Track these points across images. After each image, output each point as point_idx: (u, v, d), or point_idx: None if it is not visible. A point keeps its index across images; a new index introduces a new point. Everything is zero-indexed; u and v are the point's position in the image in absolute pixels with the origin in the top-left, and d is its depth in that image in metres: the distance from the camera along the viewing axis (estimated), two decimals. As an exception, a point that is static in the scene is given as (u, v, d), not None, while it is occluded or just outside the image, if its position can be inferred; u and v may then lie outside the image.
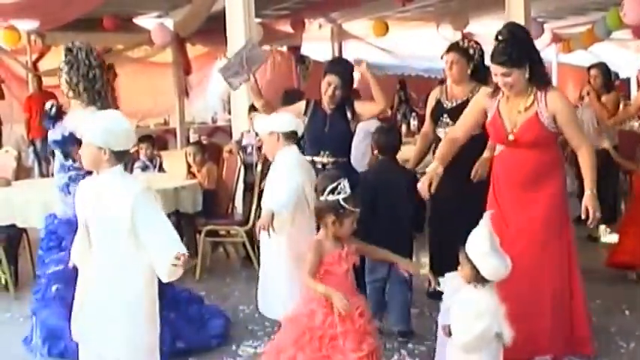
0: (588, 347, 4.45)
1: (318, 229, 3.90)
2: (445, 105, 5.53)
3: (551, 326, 4.31)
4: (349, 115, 5.42)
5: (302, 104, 5.56)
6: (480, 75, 5.37)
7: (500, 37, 4.22)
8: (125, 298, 3.53)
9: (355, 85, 5.80)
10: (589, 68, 8.09)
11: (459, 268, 3.56)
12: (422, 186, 4.30)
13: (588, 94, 7.66)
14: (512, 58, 4.13)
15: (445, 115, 5.49)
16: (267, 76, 14.03)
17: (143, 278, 3.56)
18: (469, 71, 5.37)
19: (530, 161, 4.32)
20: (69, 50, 4.92)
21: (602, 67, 7.94)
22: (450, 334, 3.52)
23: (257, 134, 5.94)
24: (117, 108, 4.73)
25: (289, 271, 4.53)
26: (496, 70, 4.20)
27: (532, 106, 4.23)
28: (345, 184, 3.73)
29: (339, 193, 3.71)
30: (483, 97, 4.47)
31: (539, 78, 4.23)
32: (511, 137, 4.30)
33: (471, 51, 5.40)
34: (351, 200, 3.73)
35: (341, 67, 5.54)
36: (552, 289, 4.33)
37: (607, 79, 7.82)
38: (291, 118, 4.96)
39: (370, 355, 3.64)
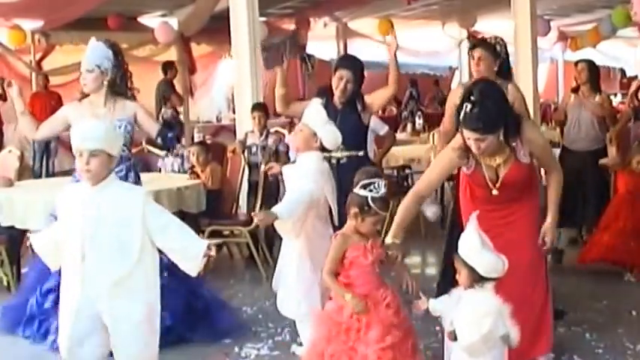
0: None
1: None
2: None
3: (550, 325, 4.32)
4: (359, 107, 5.42)
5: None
6: (505, 72, 5.28)
7: (472, 99, 3.87)
8: (128, 317, 3.47)
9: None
10: (576, 63, 7.70)
11: (457, 276, 3.52)
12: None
13: (576, 90, 7.42)
14: (487, 125, 3.85)
15: None
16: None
17: (145, 298, 3.51)
18: (495, 68, 5.18)
19: (514, 201, 4.19)
20: (114, 45, 5.04)
21: (589, 64, 7.52)
22: (455, 338, 3.48)
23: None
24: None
25: (305, 273, 4.48)
26: (469, 135, 3.90)
27: (510, 158, 4.06)
28: (380, 184, 3.77)
29: (370, 191, 3.76)
30: (453, 151, 4.14)
31: (512, 132, 3.99)
32: (495, 192, 4.13)
33: (498, 48, 5.24)
34: (379, 202, 3.76)
35: (352, 62, 5.59)
36: (546, 286, 4.32)
37: (594, 77, 7.37)
38: (338, 139, 4.75)
39: (393, 347, 3.67)
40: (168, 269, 4.20)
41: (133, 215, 3.41)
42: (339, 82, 5.35)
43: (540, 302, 4.29)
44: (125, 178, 4.95)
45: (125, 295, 3.46)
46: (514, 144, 4.04)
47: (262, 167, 6.73)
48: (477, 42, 5.50)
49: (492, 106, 3.88)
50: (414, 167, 8.97)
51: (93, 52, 4.98)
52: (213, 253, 3.47)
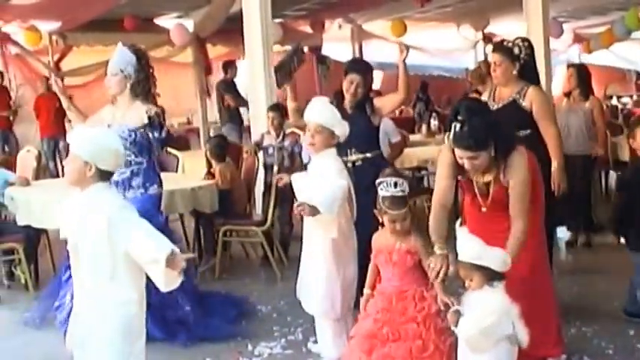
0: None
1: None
2: (491, 106, 5.28)
3: (558, 324, 4.38)
4: (368, 110, 5.51)
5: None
6: (530, 74, 5.19)
7: (459, 118, 3.83)
8: (104, 328, 3.40)
9: (378, 87, 5.86)
10: (568, 67, 7.77)
11: (467, 283, 3.56)
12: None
13: (568, 95, 7.38)
14: (478, 142, 3.83)
15: None
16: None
17: (119, 314, 3.39)
18: (515, 71, 5.11)
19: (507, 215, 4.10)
20: (138, 51, 5.29)
21: (578, 68, 7.54)
22: (456, 324, 3.53)
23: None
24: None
25: (330, 270, 4.51)
26: (461, 154, 3.88)
27: (498, 178, 4.02)
28: (389, 183, 3.92)
29: (381, 190, 3.96)
30: (449, 150, 4.04)
31: (503, 151, 3.95)
32: (484, 209, 4.14)
33: (516, 50, 5.14)
34: (388, 200, 3.93)
35: (362, 65, 5.75)
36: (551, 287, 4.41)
37: (584, 82, 7.31)
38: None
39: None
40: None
41: (101, 230, 3.29)
42: (350, 86, 5.47)
43: (546, 305, 4.34)
44: (129, 182, 5.13)
45: (95, 310, 3.41)
46: (502, 165, 3.96)
47: (275, 168, 6.81)
48: (494, 46, 5.50)
49: (480, 123, 3.83)
50: (429, 168, 9.01)
51: (118, 57, 5.19)
52: (176, 263, 3.21)
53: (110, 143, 3.47)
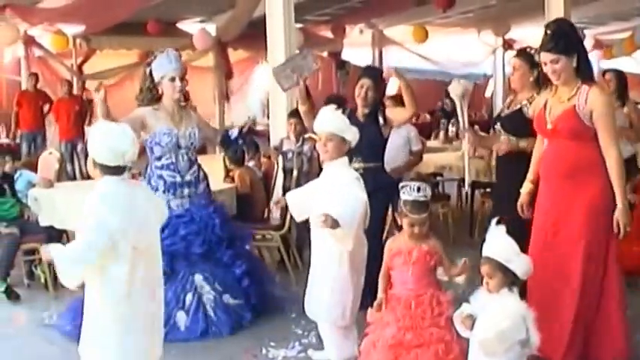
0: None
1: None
2: (503, 113, 5.36)
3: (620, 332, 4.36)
4: (381, 120, 5.58)
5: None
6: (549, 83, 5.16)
7: (548, 31, 4.28)
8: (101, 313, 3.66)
9: (396, 91, 5.92)
10: (604, 73, 7.75)
11: (485, 282, 3.60)
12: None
13: None
14: (560, 45, 4.23)
15: (498, 124, 5.28)
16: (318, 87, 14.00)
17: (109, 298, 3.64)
18: (532, 79, 5.09)
19: (568, 153, 4.31)
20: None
21: (618, 74, 7.52)
22: (471, 327, 3.56)
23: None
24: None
25: (343, 279, 4.51)
26: (545, 58, 4.28)
27: (573, 98, 4.26)
28: (412, 187, 3.99)
29: (404, 193, 4.03)
30: (540, 98, 4.58)
31: (585, 70, 4.30)
32: (549, 126, 4.35)
33: (537, 57, 4.99)
34: (410, 204, 4.00)
35: (373, 71, 5.93)
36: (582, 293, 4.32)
37: (622, 88, 7.32)
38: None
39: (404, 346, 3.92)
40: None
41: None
42: (360, 90, 5.57)
43: (609, 306, 4.34)
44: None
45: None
46: (583, 87, 4.23)
47: (295, 173, 6.86)
48: (517, 51, 5.54)
49: (564, 32, 4.28)
50: (445, 174, 9.02)
51: (178, 61, 5.48)
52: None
53: (103, 138, 3.62)
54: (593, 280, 4.30)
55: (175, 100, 5.45)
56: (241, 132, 5.75)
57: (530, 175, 4.65)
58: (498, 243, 3.58)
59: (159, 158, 5.44)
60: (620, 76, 7.36)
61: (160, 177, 5.38)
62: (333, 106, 4.85)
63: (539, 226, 4.45)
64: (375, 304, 4.13)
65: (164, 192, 5.37)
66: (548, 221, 4.39)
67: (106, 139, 3.62)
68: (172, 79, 5.40)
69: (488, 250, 3.61)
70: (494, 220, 3.70)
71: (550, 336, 3.89)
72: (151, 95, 5.43)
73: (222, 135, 5.88)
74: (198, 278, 5.25)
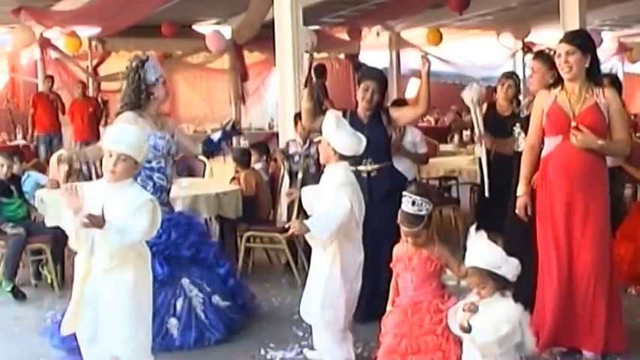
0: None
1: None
2: (522, 114, 5.41)
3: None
4: (384, 120, 5.50)
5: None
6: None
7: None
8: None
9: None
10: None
11: (476, 291, 3.56)
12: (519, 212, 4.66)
13: None
14: (578, 40, 4.46)
15: (517, 125, 5.37)
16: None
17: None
18: (551, 80, 4.99)
19: (587, 154, 4.40)
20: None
21: (612, 79, 7.25)
22: (469, 330, 3.50)
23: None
24: None
25: (335, 282, 4.47)
26: (561, 49, 4.43)
27: (592, 96, 4.44)
28: (408, 200, 3.89)
29: (402, 202, 3.94)
30: (543, 96, 4.63)
31: (596, 74, 4.50)
32: (574, 123, 4.38)
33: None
34: (402, 216, 3.92)
35: (376, 73, 5.77)
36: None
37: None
38: (355, 145, 4.55)
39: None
40: None
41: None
42: (365, 92, 5.45)
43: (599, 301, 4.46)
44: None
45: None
46: (596, 89, 4.46)
47: (300, 175, 6.83)
48: (535, 53, 5.56)
49: (586, 34, 4.69)
50: (458, 178, 8.94)
51: None
52: None
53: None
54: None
55: (165, 100, 5.43)
56: (225, 130, 5.64)
57: (527, 176, 4.68)
58: (484, 251, 3.53)
59: (149, 161, 5.37)
60: (615, 81, 7.27)
61: (150, 177, 5.30)
62: (337, 112, 4.82)
63: (550, 229, 4.52)
64: (384, 318, 4.11)
65: (153, 193, 5.31)
66: (563, 221, 4.48)
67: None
68: (164, 82, 5.38)
69: (474, 260, 3.55)
70: (472, 227, 3.65)
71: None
72: (144, 96, 5.33)
73: (203, 142, 5.73)
74: (186, 282, 5.21)
